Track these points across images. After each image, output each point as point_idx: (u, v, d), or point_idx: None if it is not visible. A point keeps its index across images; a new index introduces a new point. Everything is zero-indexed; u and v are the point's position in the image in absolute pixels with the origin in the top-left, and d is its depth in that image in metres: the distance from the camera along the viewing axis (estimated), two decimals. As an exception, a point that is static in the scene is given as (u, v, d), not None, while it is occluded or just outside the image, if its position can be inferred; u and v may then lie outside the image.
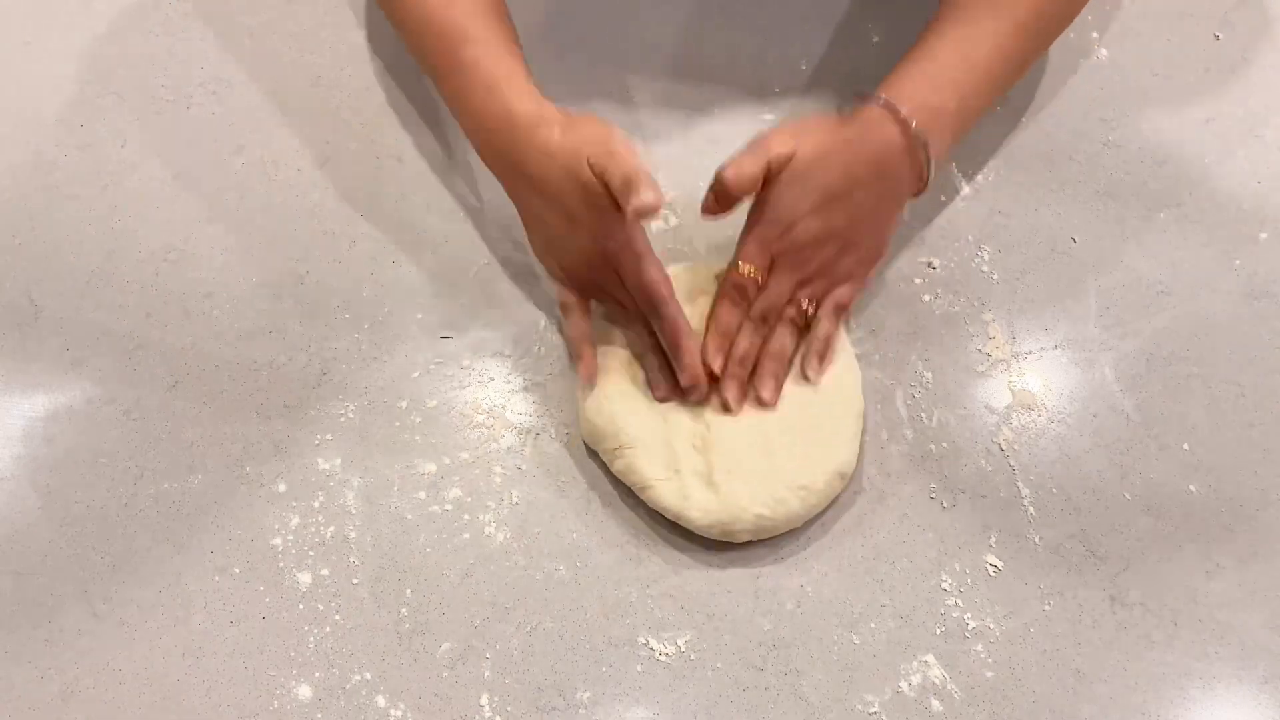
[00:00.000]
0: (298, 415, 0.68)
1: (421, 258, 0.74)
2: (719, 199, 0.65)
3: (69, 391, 0.68)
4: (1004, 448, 0.68)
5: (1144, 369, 0.71)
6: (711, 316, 0.67)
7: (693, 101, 0.81)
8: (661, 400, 0.66)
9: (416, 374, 0.70)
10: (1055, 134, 0.80)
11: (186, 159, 0.77)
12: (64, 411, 0.68)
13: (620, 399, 0.66)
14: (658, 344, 0.66)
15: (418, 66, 0.78)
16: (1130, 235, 0.76)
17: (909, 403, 0.70)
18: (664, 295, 0.65)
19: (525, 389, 0.70)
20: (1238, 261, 0.75)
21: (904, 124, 0.65)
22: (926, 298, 0.73)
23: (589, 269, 0.66)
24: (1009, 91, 0.74)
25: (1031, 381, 0.70)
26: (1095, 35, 0.84)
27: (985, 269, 0.74)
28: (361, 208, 0.75)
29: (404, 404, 0.69)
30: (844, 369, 0.68)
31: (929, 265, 0.74)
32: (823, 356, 0.67)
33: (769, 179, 0.65)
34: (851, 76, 0.82)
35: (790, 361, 0.67)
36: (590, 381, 0.66)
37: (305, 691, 0.60)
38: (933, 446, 0.68)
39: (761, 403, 0.66)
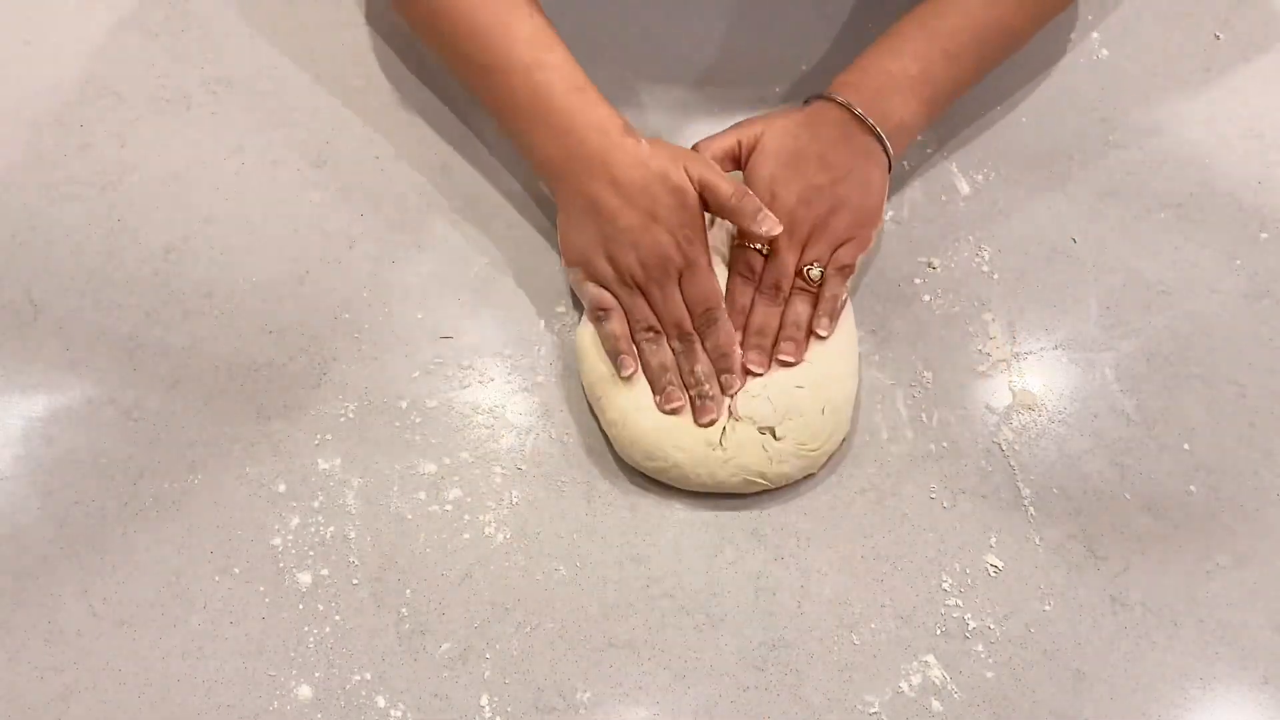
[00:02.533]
0: (298, 415, 0.68)
1: (421, 258, 0.74)
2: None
3: (69, 391, 0.68)
4: (1004, 448, 0.68)
5: (1144, 369, 0.71)
6: (728, 294, 0.70)
7: (692, 101, 0.81)
8: (672, 413, 0.67)
9: (416, 374, 0.70)
10: (1055, 134, 0.80)
11: (186, 159, 0.77)
12: (64, 411, 0.68)
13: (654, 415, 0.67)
14: (674, 361, 0.68)
15: (417, 66, 0.79)
16: (1130, 235, 0.76)
17: (909, 403, 0.70)
18: (721, 302, 0.69)
19: (525, 389, 0.70)
20: (1238, 261, 0.75)
21: (844, 106, 0.70)
22: (926, 298, 0.73)
23: (643, 269, 0.68)
24: (993, 57, 0.75)
25: (1031, 381, 0.70)
26: (1095, 35, 0.84)
27: (985, 269, 0.74)
28: (361, 208, 0.75)
29: (404, 404, 0.69)
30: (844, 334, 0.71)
31: (929, 265, 0.74)
32: (832, 315, 0.69)
33: (743, 160, 0.71)
34: (851, 76, 0.82)
35: (808, 327, 0.70)
36: (626, 372, 0.67)
37: (305, 691, 0.60)
38: (933, 446, 0.68)
39: (784, 364, 0.68)
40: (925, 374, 0.71)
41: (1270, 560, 0.65)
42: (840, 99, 0.70)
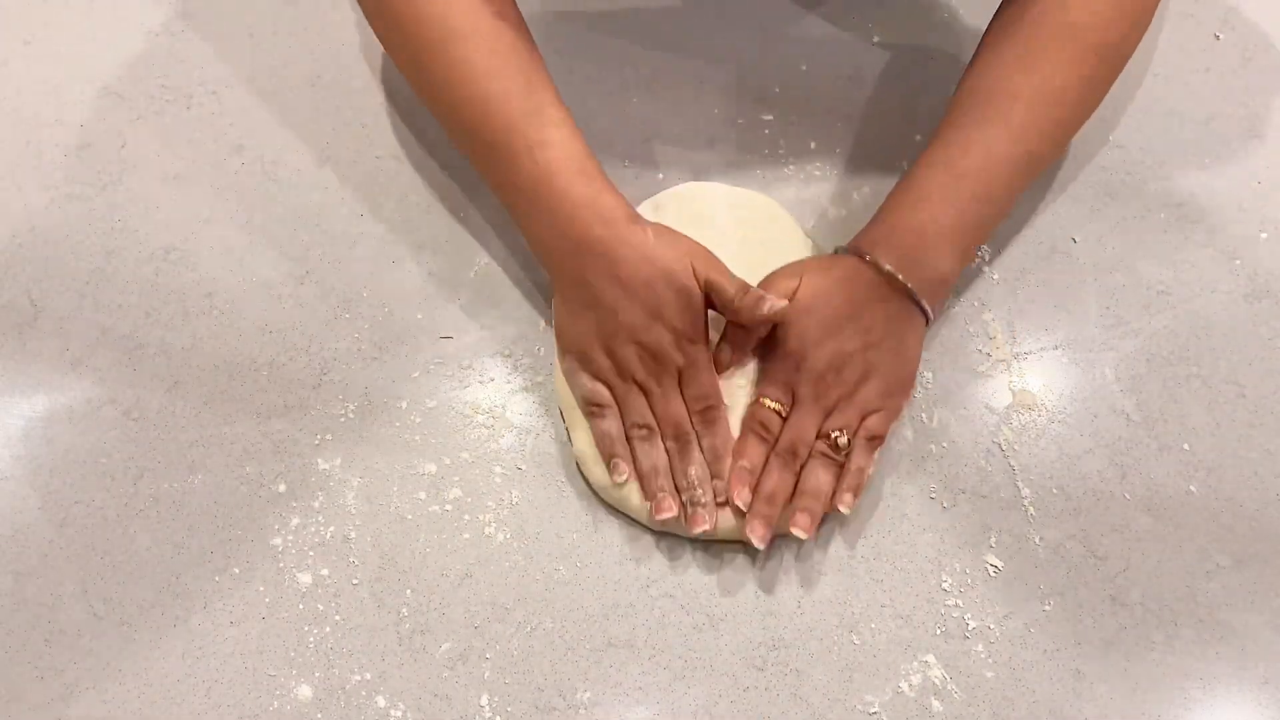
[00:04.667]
0: (298, 415, 0.68)
1: (421, 258, 0.74)
2: (735, 345, 0.67)
3: (69, 391, 0.68)
4: (1004, 448, 0.68)
5: (1144, 369, 0.71)
6: (735, 452, 0.65)
7: (693, 101, 0.81)
8: (659, 520, 0.64)
9: (416, 374, 0.70)
10: (1055, 134, 0.80)
11: (186, 159, 0.77)
12: (64, 411, 0.68)
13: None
14: (667, 464, 0.65)
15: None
16: (1130, 235, 0.76)
17: (909, 403, 0.70)
18: (722, 402, 0.66)
19: (525, 389, 0.70)
20: (1238, 261, 0.75)
21: (877, 267, 0.65)
22: (926, 298, 0.73)
23: (643, 366, 0.65)
24: (1022, 187, 0.68)
25: (1031, 381, 0.70)
26: (1095, 35, 0.84)
27: (985, 269, 0.74)
28: (361, 208, 0.75)
29: (404, 404, 0.69)
30: None
31: (929, 265, 0.74)
32: (856, 490, 0.65)
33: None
34: (852, 77, 0.82)
35: (827, 500, 0.65)
36: (619, 478, 0.65)
37: (305, 691, 0.60)
38: (933, 446, 0.68)
39: (797, 536, 0.63)
40: (925, 374, 0.71)
41: (1270, 560, 0.65)
42: (871, 258, 0.65)
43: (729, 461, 0.65)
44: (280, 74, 0.81)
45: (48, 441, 0.67)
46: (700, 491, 0.64)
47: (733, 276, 0.65)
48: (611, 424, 0.66)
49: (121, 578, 0.63)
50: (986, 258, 0.75)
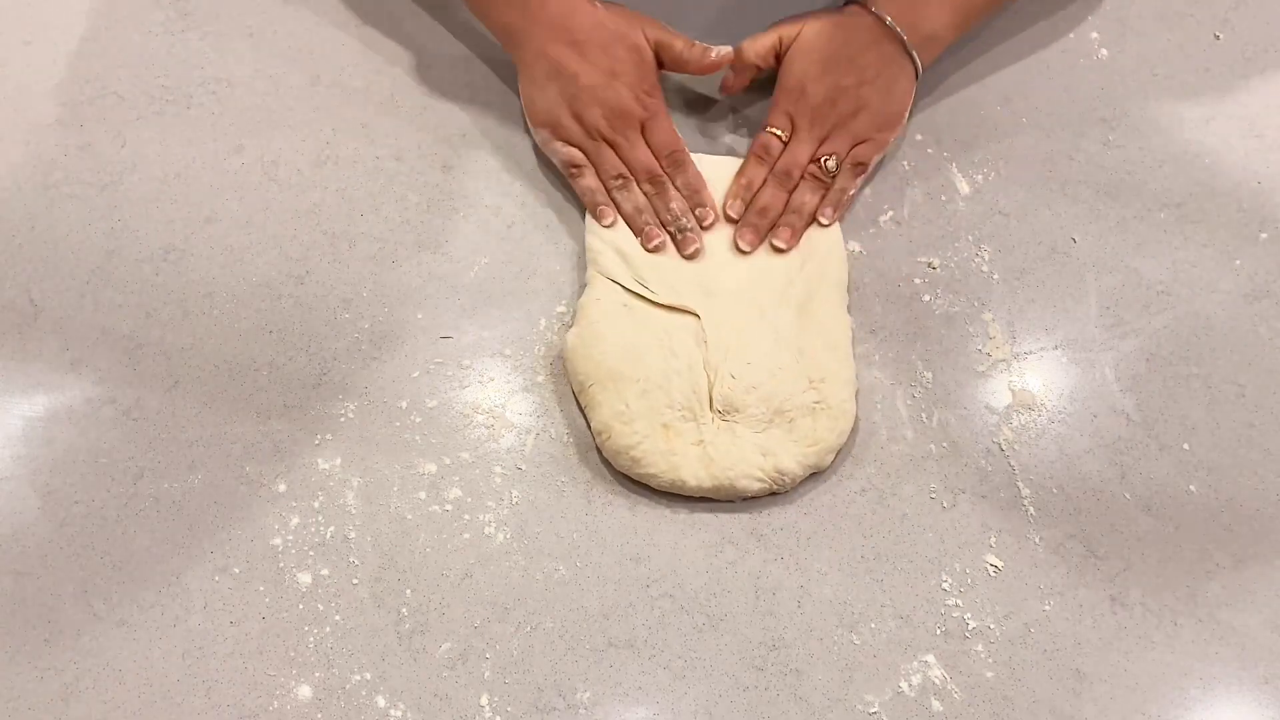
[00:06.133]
0: (298, 415, 0.68)
1: (421, 258, 0.74)
2: (736, 72, 0.76)
3: (69, 391, 0.68)
4: (1004, 448, 0.68)
5: (1144, 369, 0.71)
6: (738, 174, 0.74)
7: (694, 97, 0.81)
8: (653, 250, 0.71)
9: (416, 374, 0.70)
10: (1055, 134, 0.80)
11: (186, 159, 0.77)
12: (64, 411, 0.68)
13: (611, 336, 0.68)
14: (648, 203, 0.73)
15: (417, 65, 0.79)
16: (1130, 235, 0.76)
17: (909, 403, 0.70)
18: (684, 146, 0.74)
19: (525, 389, 0.70)
20: (1238, 261, 0.75)
21: (877, 17, 0.74)
22: (926, 298, 0.73)
23: (608, 123, 0.73)
24: None
25: (1031, 381, 0.70)
26: (1095, 35, 0.84)
27: (985, 269, 0.74)
28: (361, 208, 0.75)
29: (404, 404, 0.69)
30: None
31: (929, 265, 0.74)
32: (837, 206, 0.73)
33: (781, 55, 0.75)
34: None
35: (810, 217, 0.73)
36: (606, 221, 0.72)
37: (305, 691, 0.60)
38: (933, 446, 0.68)
39: (776, 249, 0.72)
40: (925, 374, 0.71)
41: (1270, 560, 0.65)
42: (873, 8, 0.74)
43: (706, 194, 0.73)
44: (280, 74, 0.81)
45: (48, 441, 0.67)
46: (684, 220, 0.72)
47: (680, 35, 0.74)
48: (590, 179, 0.73)
49: (121, 578, 0.63)
50: (987, 257, 0.75)
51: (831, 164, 0.73)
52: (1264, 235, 0.76)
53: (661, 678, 0.62)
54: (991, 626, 0.63)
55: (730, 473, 0.65)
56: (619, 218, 0.73)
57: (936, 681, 0.62)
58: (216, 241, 0.74)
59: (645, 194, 0.73)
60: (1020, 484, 0.67)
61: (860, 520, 0.66)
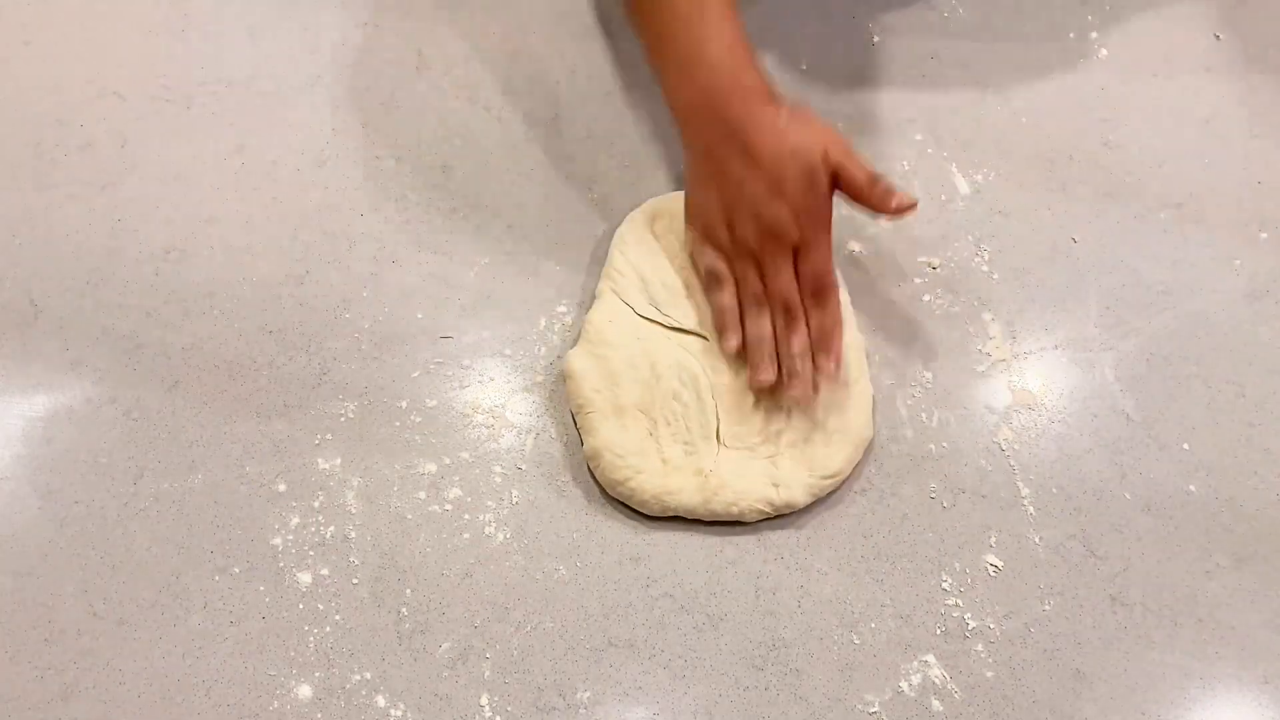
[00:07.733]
0: (298, 415, 0.68)
1: (421, 258, 0.74)
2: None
3: (69, 391, 0.68)
4: (1004, 448, 0.68)
5: (1144, 369, 0.71)
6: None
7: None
8: (760, 385, 0.66)
9: (416, 374, 0.70)
10: (1055, 134, 0.80)
11: (186, 159, 0.77)
12: (64, 411, 0.68)
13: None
14: (772, 336, 0.67)
15: (417, 65, 0.79)
16: (1130, 235, 0.76)
17: (909, 403, 0.70)
18: (835, 286, 0.67)
19: (525, 389, 0.70)
20: (1238, 261, 0.75)
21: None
22: (926, 298, 0.73)
23: (758, 241, 0.67)
24: None
25: (1031, 381, 0.70)
26: (1095, 35, 0.84)
27: (985, 269, 0.74)
28: (361, 208, 0.75)
29: (404, 404, 0.69)
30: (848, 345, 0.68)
31: (929, 265, 0.74)
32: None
33: None
34: (852, 76, 0.82)
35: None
36: (734, 354, 0.67)
37: (305, 691, 0.60)
38: (933, 446, 0.68)
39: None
40: (925, 374, 0.71)
41: (1270, 560, 0.65)
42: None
43: (836, 341, 0.67)
44: (280, 74, 0.81)
45: (48, 441, 0.67)
46: (800, 363, 0.66)
47: (865, 164, 0.66)
48: (727, 297, 0.68)
49: (121, 577, 0.63)
50: (987, 257, 0.75)
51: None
52: (1264, 235, 0.76)
53: (661, 677, 0.62)
54: (991, 626, 0.63)
55: (734, 508, 0.64)
56: (740, 342, 0.67)
57: (936, 681, 0.62)
58: (216, 241, 0.74)
59: (774, 325, 0.67)
60: (1020, 484, 0.67)
61: (860, 520, 0.66)
